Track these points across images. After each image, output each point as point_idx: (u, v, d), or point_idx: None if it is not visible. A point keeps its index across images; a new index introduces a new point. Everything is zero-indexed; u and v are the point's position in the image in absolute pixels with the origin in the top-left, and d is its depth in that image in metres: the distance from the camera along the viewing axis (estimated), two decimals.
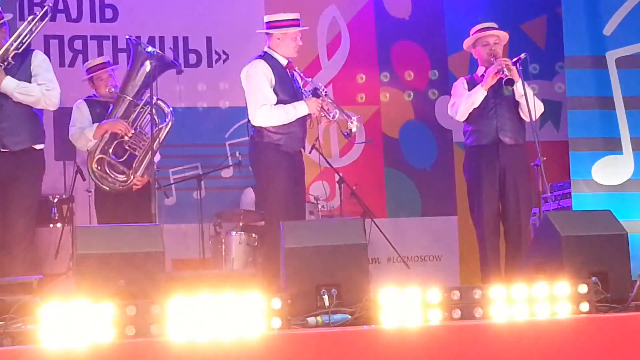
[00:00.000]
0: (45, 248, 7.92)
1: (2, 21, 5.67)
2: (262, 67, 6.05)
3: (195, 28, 9.35)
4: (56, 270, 7.85)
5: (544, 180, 6.11)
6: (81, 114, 6.60)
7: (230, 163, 9.06)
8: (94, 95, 6.73)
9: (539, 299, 3.94)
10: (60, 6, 9.07)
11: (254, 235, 8.20)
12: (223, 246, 8.09)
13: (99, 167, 6.36)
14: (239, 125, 9.02)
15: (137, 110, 6.38)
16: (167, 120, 6.46)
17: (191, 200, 8.84)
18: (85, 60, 9.01)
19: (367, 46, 9.78)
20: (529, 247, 5.42)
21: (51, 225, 8.05)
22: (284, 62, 6.14)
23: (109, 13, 9.20)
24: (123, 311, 3.56)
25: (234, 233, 8.17)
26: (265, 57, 6.12)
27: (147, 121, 6.42)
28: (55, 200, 8.14)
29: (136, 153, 6.36)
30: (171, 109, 6.52)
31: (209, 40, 9.39)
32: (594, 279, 4.16)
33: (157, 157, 6.81)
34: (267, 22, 6.18)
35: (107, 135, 6.38)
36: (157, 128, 6.35)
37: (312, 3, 9.51)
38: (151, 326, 3.58)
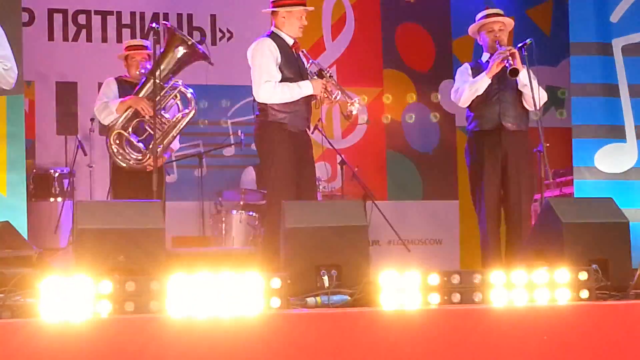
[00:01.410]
0: (45, 222, 7.92)
1: None
2: (269, 44, 6.04)
3: (200, 5, 9.32)
4: (56, 245, 7.86)
5: (546, 166, 6.09)
6: (110, 89, 6.72)
7: (232, 142, 9.05)
8: (125, 75, 6.80)
9: (539, 284, 3.94)
10: None
11: (254, 214, 8.21)
12: (223, 224, 8.10)
13: (117, 143, 6.41)
14: (242, 104, 9.02)
15: (162, 93, 6.38)
16: (190, 107, 6.49)
17: (192, 178, 8.83)
18: (88, 35, 9.00)
19: (372, 28, 9.75)
20: (529, 233, 5.41)
21: (52, 200, 8.05)
22: (290, 41, 6.12)
23: None
24: (122, 287, 3.56)
25: (234, 212, 8.18)
26: (272, 35, 6.11)
27: (170, 105, 6.53)
28: (56, 174, 8.14)
29: (154, 134, 6.35)
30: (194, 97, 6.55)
31: (213, 18, 9.36)
32: (594, 266, 4.15)
33: (176, 145, 6.86)
34: (273, 1, 6.16)
35: (129, 113, 6.43)
36: (179, 114, 6.46)
37: None
38: (150, 302, 3.58)
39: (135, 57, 6.77)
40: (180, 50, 6.44)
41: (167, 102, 6.50)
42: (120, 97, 6.61)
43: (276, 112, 6.00)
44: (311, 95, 6.09)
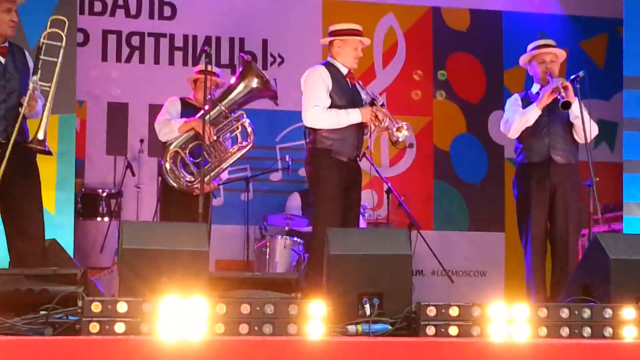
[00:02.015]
0: (91, 241, 7.99)
1: None
2: (321, 71, 6.11)
3: (252, 30, 9.38)
4: (101, 264, 7.92)
5: (595, 201, 6.01)
6: (174, 108, 6.71)
7: (280, 167, 9.07)
8: (189, 97, 6.84)
9: (583, 321, 3.88)
10: (120, 2, 9.16)
11: (298, 239, 8.21)
12: (267, 249, 8.10)
13: (172, 161, 6.41)
14: (291, 129, 9.05)
15: (226, 122, 6.45)
16: (248, 141, 6.52)
17: (238, 202, 8.86)
18: (141, 57, 9.10)
19: (423, 56, 9.75)
20: (576, 268, 5.34)
21: (99, 219, 8.12)
22: (344, 70, 6.17)
23: (167, 11, 9.27)
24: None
25: (279, 237, 8.18)
26: (327, 64, 6.18)
27: (229, 136, 6.55)
28: (104, 194, 8.22)
29: (209, 159, 6.38)
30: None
31: (264, 42, 9.42)
32: None
33: (225, 175, 6.90)
34: (330, 31, 6.22)
35: (190, 134, 6.43)
36: (236, 145, 6.51)
37: (370, 10, 9.51)
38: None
39: (204, 83, 6.77)
40: (253, 84, 6.51)
41: (228, 131, 6.52)
42: (181, 116, 6.62)
43: (324, 139, 6.03)
44: (362, 124, 6.10)
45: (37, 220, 5.48)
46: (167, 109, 6.71)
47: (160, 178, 6.78)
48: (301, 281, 6.93)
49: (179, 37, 9.24)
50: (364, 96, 6.24)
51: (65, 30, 5.60)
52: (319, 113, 6.02)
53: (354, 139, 6.10)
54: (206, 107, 6.29)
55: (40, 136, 5.37)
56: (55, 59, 5.46)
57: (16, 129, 5.32)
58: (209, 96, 6.65)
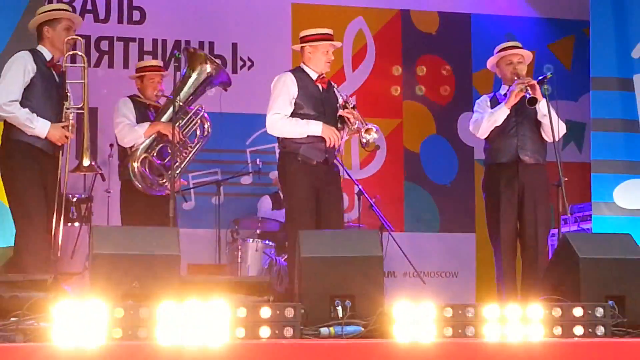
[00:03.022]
0: (62, 247, 7.92)
1: None
2: (287, 78, 6.11)
3: (222, 33, 9.36)
4: (72, 269, 7.86)
5: (564, 201, 6.05)
6: (129, 110, 6.63)
7: (250, 170, 9.06)
8: (138, 95, 6.77)
9: (554, 320, 3.91)
10: (89, 6, 9.10)
11: (270, 242, 8.21)
12: (239, 252, 8.09)
13: (142, 167, 6.35)
14: (261, 132, 9.03)
15: (187, 118, 6.42)
16: (204, 136, 6.49)
17: (209, 206, 8.84)
18: (110, 61, 9.05)
19: (393, 59, 9.78)
20: (546, 268, 5.38)
21: (69, 224, 8.06)
22: (314, 75, 6.17)
23: (136, 15, 9.23)
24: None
25: (250, 240, 8.18)
26: (296, 70, 6.19)
27: (189, 130, 6.51)
28: (74, 199, 8.15)
29: (176, 159, 6.34)
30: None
31: (234, 46, 9.40)
32: (610, 302, 4.12)
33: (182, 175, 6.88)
34: (301, 37, 6.23)
35: (154, 136, 6.40)
36: (197, 139, 6.49)
37: (339, 14, 9.52)
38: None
39: (154, 79, 6.72)
40: (207, 69, 6.44)
41: (189, 127, 6.49)
42: (136, 116, 6.58)
43: (292, 143, 6.06)
44: (337, 126, 6.10)
45: None
46: (122, 112, 6.62)
47: (120, 182, 6.70)
48: (273, 284, 6.93)
49: (149, 41, 9.19)
50: (340, 99, 6.24)
51: (83, 49, 5.89)
52: (278, 121, 6.05)
53: (322, 142, 6.09)
54: (160, 103, 6.35)
55: (86, 163, 5.71)
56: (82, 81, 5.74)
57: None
58: (160, 92, 6.61)
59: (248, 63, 9.41)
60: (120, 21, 9.19)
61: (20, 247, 5.59)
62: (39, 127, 5.63)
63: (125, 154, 6.55)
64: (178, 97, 6.29)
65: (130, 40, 9.16)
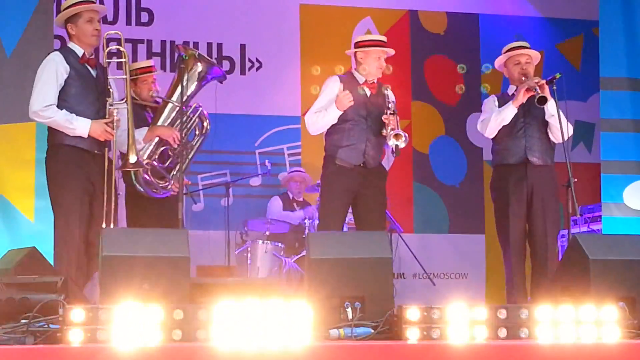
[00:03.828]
0: None
1: None
2: (332, 81, 6.30)
3: (230, 35, 9.37)
4: None
5: (574, 201, 6.03)
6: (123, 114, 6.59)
7: (259, 171, 9.07)
8: (132, 97, 6.73)
9: (564, 321, 3.90)
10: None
11: (279, 244, 8.20)
12: (249, 254, 8.10)
13: (145, 172, 6.28)
14: (270, 133, 9.04)
15: (184, 119, 6.34)
16: (203, 131, 6.48)
17: (219, 207, 8.84)
18: (118, 63, 9.04)
19: (401, 59, 9.76)
20: (555, 269, 5.36)
21: None
22: (361, 80, 6.28)
23: (144, 17, 9.25)
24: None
25: (260, 242, 8.18)
26: (345, 74, 6.42)
27: (189, 129, 6.48)
28: None
29: (178, 160, 6.32)
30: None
31: (242, 47, 9.40)
32: (621, 304, 4.11)
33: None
34: (354, 43, 6.39)
35: (154, 140, 6.35)
36: (196, 138, 6.46)
37: (347, 14, 9.51)
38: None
39: (147, 80, 6.68)
40: (199, 68, 6.37)
41: (187, 126, 6.44)
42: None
43: (330, 147, 6.24)
44: (379, 133, 6.17)
45: None
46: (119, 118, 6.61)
47: (125, 185, 6.66)
48: (283, 285, 6.94)
49: (157, 43, 9.20)
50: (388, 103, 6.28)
51: (123, 44, 5.85)
52: (309, 117, 6.23)
53: (361, 145, 6.15)
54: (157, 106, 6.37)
55: (133, 159, 5.63)
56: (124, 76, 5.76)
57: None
58: (155, 93, 6.58)
59: (256, 64, 9.41)
60: (128, 23, 9.20)
61: (57, 254, 5.62)
62: (80, 126, 5.62)
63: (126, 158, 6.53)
64: (176, 99, 6.28)
65: (138, 42, 9.17)
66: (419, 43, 9.80)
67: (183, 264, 4.14)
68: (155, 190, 6.33)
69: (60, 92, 5.66)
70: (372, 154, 6.20)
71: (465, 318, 3.86)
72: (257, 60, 9.43)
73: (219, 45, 9.37)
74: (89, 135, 5.63)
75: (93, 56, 5.88)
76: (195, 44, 9.21)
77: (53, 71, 5.65)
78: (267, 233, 8.35)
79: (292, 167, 9.22)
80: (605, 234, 7.37)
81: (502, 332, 3.90)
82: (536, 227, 6.26)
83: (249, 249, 8.11)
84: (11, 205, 6.83)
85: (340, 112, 6.10)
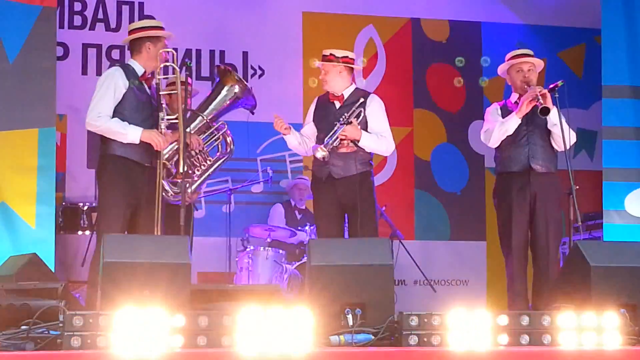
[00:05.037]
0: (72, 255, 7.95)
1: None
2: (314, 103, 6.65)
3: (232, 42, 9.38)
4: (83, 278, 7.87)
5: (575, 209, 6.03)
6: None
7: (261, 178, 9.07)
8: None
9: (565, 328, 3.90)
10: (100, 15, 9.14)
11: (281, 251, 8.20)
12: (250, 261, 8.09)
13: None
14: (271, 141, 9.04)
15: (208, 132, 6.41)
16: (227, 152, 6.50)
17: (220, 214, 8.85)
18: None
19: (403, 67, 9.77)
20: (557, 276, 5.36)
21: (80, 233, 8.08)
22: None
23: None
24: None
25: (261, 248, 8.18)
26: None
27: (210, 146, 6.50)
28: (85, 207, 8.17)
29: (195, 171, 6.34)
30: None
31: (245, 54, 9.41)
32: (622, 310, 4.11)
33: (204, 186, 6.88)
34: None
35: (173, 146, 6.29)
36: (218, 155, 6.48)
37: (349, 22, 9.52)
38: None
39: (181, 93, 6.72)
40: (235, 90, 6.49)
41: (211, 142, 6.47)
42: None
43: (315, 159, 6.36)
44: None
45: None
46: None
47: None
48: (283, 292, 6.95)
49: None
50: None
51: (176, 61, 6.06)
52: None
53: (338, 161, 6.29)
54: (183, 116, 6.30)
55: (183, 170, 5.75)
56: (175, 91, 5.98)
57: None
58: (184, 105, 6.60)
59: (259, 72, 9.42)
60: None
61: (94, 265, 5.73)
62: (132, 131, 5.80)
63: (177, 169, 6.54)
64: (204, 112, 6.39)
65: None
66: (421, 51, 9.80)
67: (184, 271, 4.15)
68: (165, 194, 6.33)
69: (116, 106, 5.86)
70: (333, 164, 6.31)
71: (465, 324, 3.85)
72: (260, 67, 9.43)
73: (222, 53, 9.38)
74: (140, 142, 5.78)
75: (150, 76, 6.04)
76: (198, 51, 9.23)
77: (112, 85, 5.87)
78: (268, 240, 8.36)
79: (293, 174, 9.23)
80: (607, 241, 7.36)
81: (503, 339, 3.90)
82: (538, 234, 6.26)
83: (250, 255, 8.11)
84: (12, 211, 6.83)
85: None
